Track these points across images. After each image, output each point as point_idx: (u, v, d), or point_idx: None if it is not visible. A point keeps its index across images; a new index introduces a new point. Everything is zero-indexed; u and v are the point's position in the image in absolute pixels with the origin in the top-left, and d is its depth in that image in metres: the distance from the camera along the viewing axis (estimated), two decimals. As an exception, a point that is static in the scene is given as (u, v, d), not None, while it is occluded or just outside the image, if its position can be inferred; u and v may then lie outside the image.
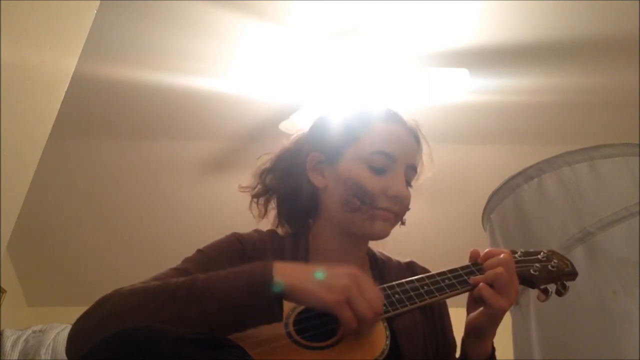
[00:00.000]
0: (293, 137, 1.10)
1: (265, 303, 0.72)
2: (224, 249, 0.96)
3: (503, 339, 1.82)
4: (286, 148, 1.07)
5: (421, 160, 1.04)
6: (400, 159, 0.97)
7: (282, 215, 1.06)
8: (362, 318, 0.72)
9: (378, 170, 0.96)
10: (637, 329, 1.28)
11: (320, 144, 1.02)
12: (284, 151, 1.07)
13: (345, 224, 0.98)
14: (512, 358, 1.65)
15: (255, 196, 1.06)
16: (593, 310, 1.38)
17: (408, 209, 0.99)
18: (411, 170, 1.00)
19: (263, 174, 1.06)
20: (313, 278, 0.74)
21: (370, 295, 0.74)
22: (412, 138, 1.02)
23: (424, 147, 1.05)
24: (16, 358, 1.76)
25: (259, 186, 1.06)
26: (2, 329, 1.87)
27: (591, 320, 1.38)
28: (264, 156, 1.08)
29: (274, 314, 0.72)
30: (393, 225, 0.99)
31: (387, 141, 0.98)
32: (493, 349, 0.90)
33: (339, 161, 0.99)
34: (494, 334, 0.88)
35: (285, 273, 0.74)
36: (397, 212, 0.97)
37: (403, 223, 1.01)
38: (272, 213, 1.07)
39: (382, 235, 0.97)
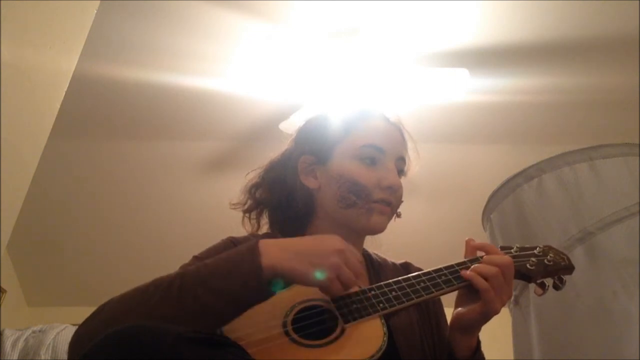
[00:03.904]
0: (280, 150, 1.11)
1: (259, 292, 0.73)
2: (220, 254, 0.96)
3: (503, 339, 1.83)
4: (274, 160, 1.09)
5: (407, 153, 1.05)
6: (389, 151, 1.00)
7: (277, 225, 1.06)
8: (347, 284, 0.77)
9: (369, 163, 0.98)
10: (637, 329, 1.27)
11: (310, 146, 1.03)
12: (272, 163, 1.08)
13: (342, 220, 0.99)
14: (512, 358, 1.65)
15: (247, 211, 1.07)
16: (593, 310, 1.38)
17: (402, 201, 1.01)
18: (401, 162, 1.02)
19: (252, 189, 1.07)
20: (302, 258, 0.75)
21: (354, 262, 0.78)
22: (398, 132, 1.05)
23: (409, 142, 1.07)
24: (16, 358, 1.76)
25: (249, 201, 1.07)
26: (2, 329, 1.87)
27: (591, 320, 1.38)
28: (251, 173, 1.09)
29: (268, 296, 0.74)
30: (389, 218, 1.00)
31: (375, 135, 1.00)
32: (478, 343, 0.90)
33: (329, 160, 1.00)
34: (480, 329, 0.89)
35: (273, 256, 0.74)
36: (392, 203, 0.98)
37: (399, 216, 1.02)
38: (265, 228, 1.08)
39: (379, 228, 0.98)
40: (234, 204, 1.08)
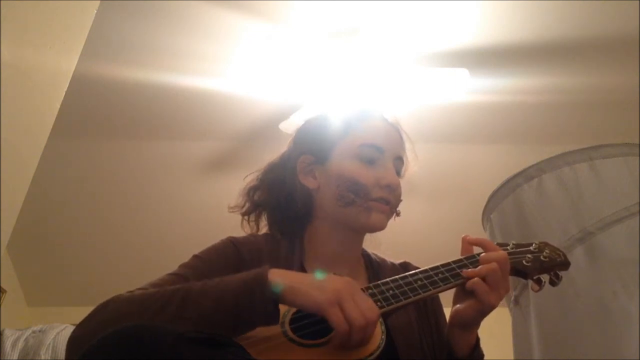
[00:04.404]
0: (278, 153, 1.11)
1: (260, 303, 0.72)
2: (220, 253, 0.96)
3: (503, 339, 1.82)
4: (272, 163, 1.09)
5: (405, 154, 1.06)
6: (387, 150, 1.00)
7: (276, 226, 1.06)
8: (352, 322, 0.71)
9: (368, 163, 0.98)
10: (637, 329, 1.27)
11: (309, 146, 1.04)
12: (270, 165, 1.09)
13: (341, 219, 0.99)
14: (512, 358, 1.65)
15: (245, 214, 1.07)
16: (593, 310, 1.38)
17: (401, 200, 1.01)
18: (399, 161, 1.03)
19: (251, 191, 1.08)
20: (307, 281, 0.76)
21: (364, 303, 0.74)
22: (396, 132, 1.05)
23: (407, 143, 1.07)
24: (16, 358, 1.76)
25: (248, 204, 1.07)
26: (2, 329, 1.87)
27: (591, 320, 1.38)
28: (249, 176, 1.10)
29: (269, 315, 0.73)
30: (389, 217, 1.00)
31: (374, 134, 1.01)
32: (478, 340, 0.91)
33: (328, 160, 1.01)
34: (478, 326, 0.89)
35: (279, 275, 0.75)
36: (391, 201, 0.98)
37: (398, 214, 1.02)
38: (265, 229, 1.08)
39: (379, 226, 0.98)
40: (232, 207, 1.08)
